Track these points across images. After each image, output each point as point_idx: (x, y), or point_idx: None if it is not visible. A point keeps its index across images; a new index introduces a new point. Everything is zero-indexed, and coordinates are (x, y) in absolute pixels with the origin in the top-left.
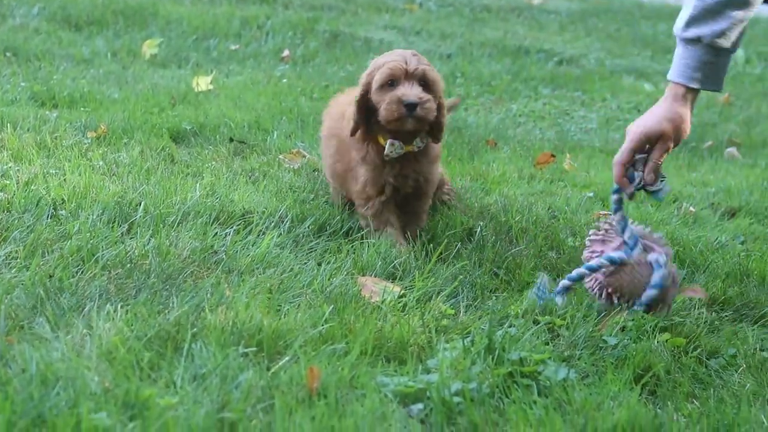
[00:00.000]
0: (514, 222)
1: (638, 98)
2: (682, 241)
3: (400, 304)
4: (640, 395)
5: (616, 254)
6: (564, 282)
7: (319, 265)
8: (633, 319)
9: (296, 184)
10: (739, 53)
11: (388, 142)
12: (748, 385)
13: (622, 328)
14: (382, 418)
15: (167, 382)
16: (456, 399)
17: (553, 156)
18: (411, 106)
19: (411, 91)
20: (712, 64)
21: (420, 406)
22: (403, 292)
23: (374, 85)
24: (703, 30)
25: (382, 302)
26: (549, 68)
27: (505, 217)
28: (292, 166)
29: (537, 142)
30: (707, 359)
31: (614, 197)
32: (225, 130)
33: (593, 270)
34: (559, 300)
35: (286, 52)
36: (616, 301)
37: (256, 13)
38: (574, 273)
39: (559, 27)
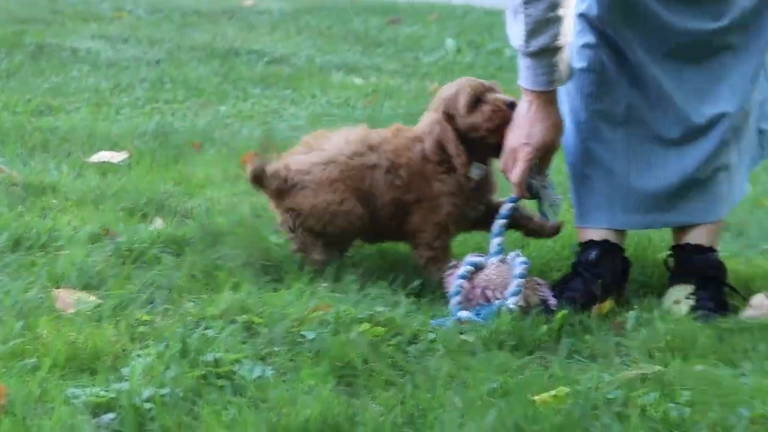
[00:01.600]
0: (217, 224)
1: (348, 93)
2: None
3: (96, 314)
4: (337, 387)
5: (475, 258)
6: (454, 300)
7: (15, 280)
8: (336, 314)
9: None
10: (450, 43)
11: (473, 165)
12: (444, 368)
13: (321, 322)
14: (71, 430)
15: None
16: (147, 405)
17: (258, 155)
18: (512, 105)
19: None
20: (562, 60)
21: (111, 415)
22: (99, 301)
23: (461, 109)
24: (544, 40)
25: (77, 313)
26: (259, 68)
27: (207, 219)
28: None
29: (244, 141)
30: (408, 346)
31: (501, 222)
32: None
33: (465, 278)
34: (465, 314)
35: None
36: (491, 296)
37: None
38: (453, 289)
39: (270, 27)
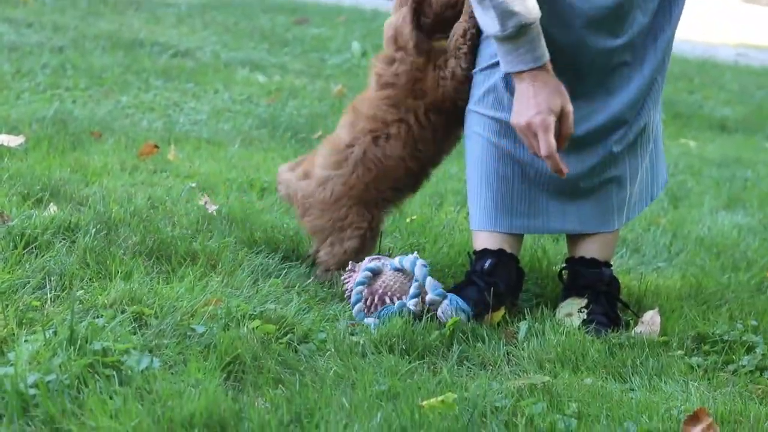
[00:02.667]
0: (112, 212)
1: (251, 90)
2: (282, 229)
3: None
4: (225, 383)
5: (373, 264)
6: (357, 308)
7: None
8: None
9: None
10: (356, 46)
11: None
12: (334, 368)
13: (212, 316)
14: None
15: None
16: (32, 391)
17: (156, 147)
18: None
19: None
20: (539, 33)
21: None
22: None
23: None
24: (518, 18)
25: None
26: (163, 61)
27: (103, 207)
28: None
29: (143, 133)
30: (298, 344)
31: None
32: None
33: (363, 284)
34: (371, 321)
35: None
36: (389, 302)
37: None
38: (354, 297)
39: (176, 20)
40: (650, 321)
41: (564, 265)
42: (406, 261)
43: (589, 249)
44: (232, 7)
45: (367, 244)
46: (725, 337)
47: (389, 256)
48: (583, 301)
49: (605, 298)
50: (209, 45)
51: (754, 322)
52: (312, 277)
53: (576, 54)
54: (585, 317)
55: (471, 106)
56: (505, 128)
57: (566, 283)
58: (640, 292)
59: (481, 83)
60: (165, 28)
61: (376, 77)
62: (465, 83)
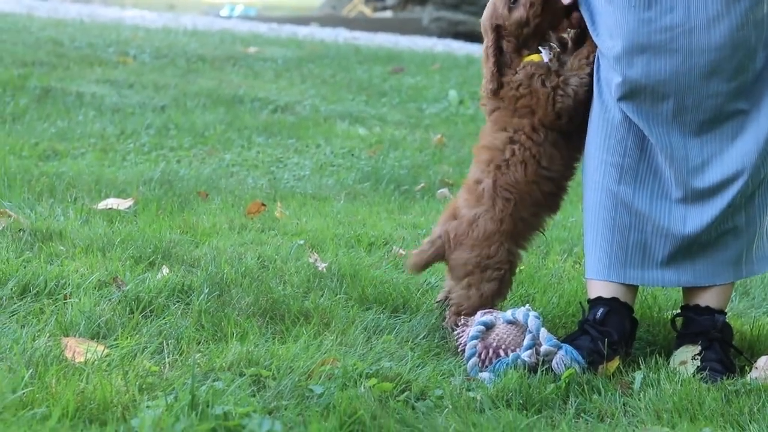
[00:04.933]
0: (224, 273)
1: (352, 143)
2: (392, 284)
3: (105, 364)
4: None
5: (485, 318)
6: (472, 362)
7: (23, 327)
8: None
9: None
10: (453, 94)
11: (542, 49)
12: (453, 425)
13: (329, 376)
14: None
15: None
16: None
17: (263, 205)
18: None
19: None
20: None
21: None
22: (107, 351)
23: (503, 13)
24: None
25: (86, 363)
26: (263, 116)
27: (215, 268)
28: None
29: (249, 191)
30: (415, 402)
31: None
32: None
33: (476, 338)
34: (486, 376)
35: None
36: (503, 355)
37: None
38: (468, 352)
39: (274, 75)
40: (765, 366)
41: (678, 312)
42: (519, 313)
43: (704, 297)
44: (328, 59)
45: (504, 288)
46: None
47: (500, 309)
48: (697, 348)
49: (719, 344)
50: (308, 98)
51: None
52: (443, 322)
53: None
54: (699, 365)
55: (591, 149)
56: (626, 175)
57: (680, 331)
58: (753, 336)
59: (601, 126)
60: (264, 82)
61: (483, 109)
62: (586, 104)
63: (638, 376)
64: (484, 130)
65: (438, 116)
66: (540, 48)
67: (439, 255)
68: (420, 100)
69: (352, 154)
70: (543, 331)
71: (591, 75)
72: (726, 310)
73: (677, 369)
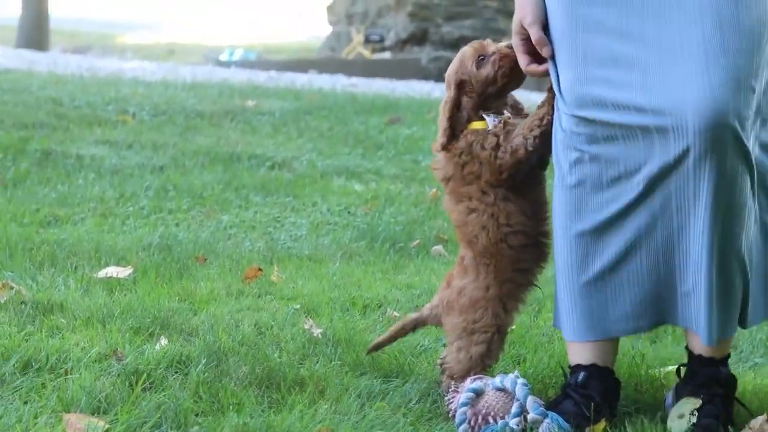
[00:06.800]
0: (221, 342)
1: (348, 200)
2: (385, 349)
3: None
4: None
5: (475, 384)
6: (462, 429)
7: (25, 404)
8: None
9: (2, 319)
10: None
11: (490, 116)
12: None
13: None
14: None
15: None
16: None
17: (260, 269)
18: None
19: None
20: None
21: None
22: (108, 426)
23: (471, 69)
24: None
25: None
26: (261, 174)
27: (212, 337)
28: None
29: (246, 254)
30: None
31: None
32: None
33: (466, 405)
34: None
35: None
36: (492, 421)
37: None
38: (458, 418)
39: (272, 129)
40: (759, 428)
41: (683, 364)
42: (507, 380)
43: (705, 347)
44: (325, 110)
45: (493, 350)
46: None
47: (491, 371)
48: (698, 402)
49: (720, 399)
50: (305, 153)
51: None
52: (439, 385)
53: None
54: (695, 421)
55: (553, 213)
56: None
57: (682, 379)
58: (740, 391)
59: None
60: (261, 138)
61: (435, 174)
62: (524, 164)
63: None
64: (446, 204)
65: None
66: (485, 116)
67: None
68: (416, 151)
69: (348, 212)
70: (530, 400)
71: (543, 136)
72: (729, 354)
73: (673, 423)
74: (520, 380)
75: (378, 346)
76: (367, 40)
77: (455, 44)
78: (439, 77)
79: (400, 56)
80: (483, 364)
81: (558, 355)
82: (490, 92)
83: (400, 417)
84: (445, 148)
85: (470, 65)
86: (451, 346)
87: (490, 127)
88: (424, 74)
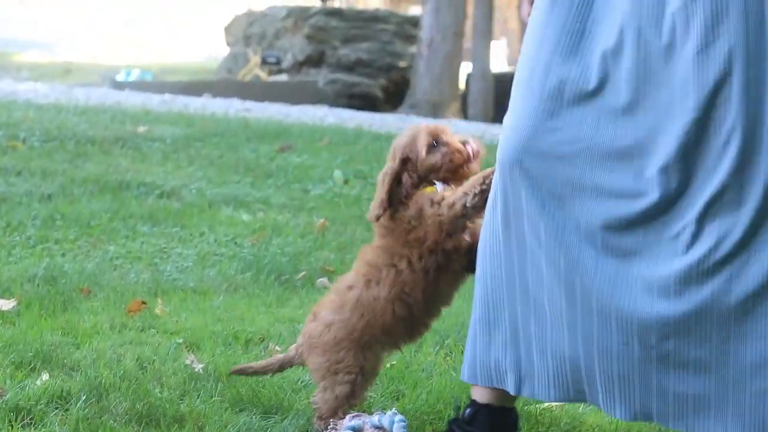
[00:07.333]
0: (102, 377)
1: (235, 230)
2: (265, 384)
3: None
4: None
5: (353, 422)
6: None
7: None
8: None
9: None
10: (338, 174)
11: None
12: None
13: None
14: None
15: None
16: None
17: (144, 303)
18: (465, 143)
19: None
20: None
21: None
22: None
23: (420, 152)
24: None
25: None
26: (149, 203)
27: (94, 372)
28: None
29: (131, 286)
30: None
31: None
32: None
33: None
34: None
35: None
36: None
37: None
38: None
39: (162, 156)
40: None
41: None
42: (385, 419)
43: None
44: (216, 137)
45: (357, 390)
46: None
47: (369, 406)
48: None
49: None
50: (194, 182)
51: None
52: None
53: None
54: None
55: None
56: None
57: None
58: None
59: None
60: (151, 165)
61: (375, 227)
62: (462, 218)
63: None
64: (372, 247)
65: (322, 197)
66: (435, 182)
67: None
68: (305, 180)
69: (235, 242)
70: None
71: (482, 194)
72: None
73: None
74: (398, 417)
75: (242, 371)
76: (264, 62)
77: (352, 67)
78: (335, 101)
79: (297, 78)
80: (348, 404)
81: (437, 391)
82: (431, 178)
83: None
84: (377, 219)
85: (420, 148)
86: (318, 386)
87: (439, 190)
88: (320, 96)
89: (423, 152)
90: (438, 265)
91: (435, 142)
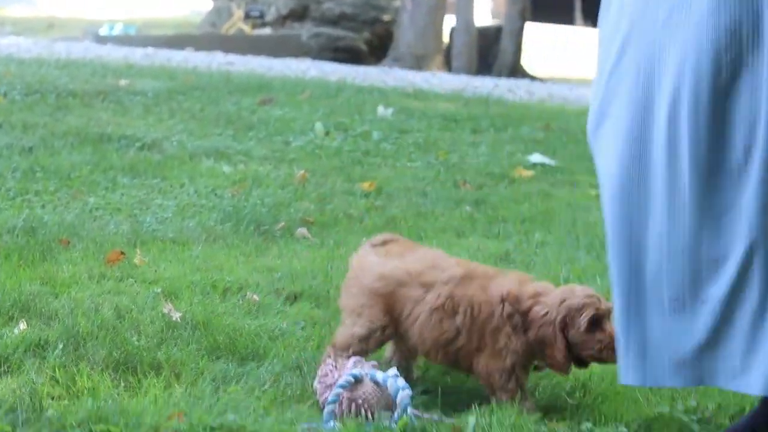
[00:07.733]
0: (80, 326)
1: (216, 181)
2: (242, 332)
3: None
4: None
5: (357, 371)
6: (329, 408)
7: None
8: None
9: None
10: (319, 126)
11: None
12: None
13: (176, 431)
14: None
15: None
16: None
17: (123, 253)
18: None
19: None
20: None
21: None
22: None
23: (580, 326)
24: None
25: None
26: (130, 155)
27: (72, 321)
28: None
29: (110, 237)
30: None
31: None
32: None
33: (344, 387)
34: (332, 425)
35: None
36: (364, 414)
37: None
38: (332, 396)
39: (143, 110)
40: None
41: None
42: (390, 382)
43: None
44: (198, 90)
45: (372, 337)
46: None
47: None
48: None
49: None
50: (175, 134)
51: None
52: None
53: None
54: None
55: None
56: None
57: None
58: None
59: None
60: (132, 119)
61: None
62: None
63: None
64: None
65: (303, 149)
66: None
67: None
68: (287, 132)
69: (215, 194)
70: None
71: None
72: None
73: None
74: (401, 383)
75: None
76: (248, 16)
77: (336, 20)
78: (319, 54)
79: (281, 32)
80: (360, 345)
81: None
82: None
83: (253, 400)
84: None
85: (583, 323)
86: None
87: None
88: (304, 50)
89: (583, 328)
90: None
91: (598, 322)
